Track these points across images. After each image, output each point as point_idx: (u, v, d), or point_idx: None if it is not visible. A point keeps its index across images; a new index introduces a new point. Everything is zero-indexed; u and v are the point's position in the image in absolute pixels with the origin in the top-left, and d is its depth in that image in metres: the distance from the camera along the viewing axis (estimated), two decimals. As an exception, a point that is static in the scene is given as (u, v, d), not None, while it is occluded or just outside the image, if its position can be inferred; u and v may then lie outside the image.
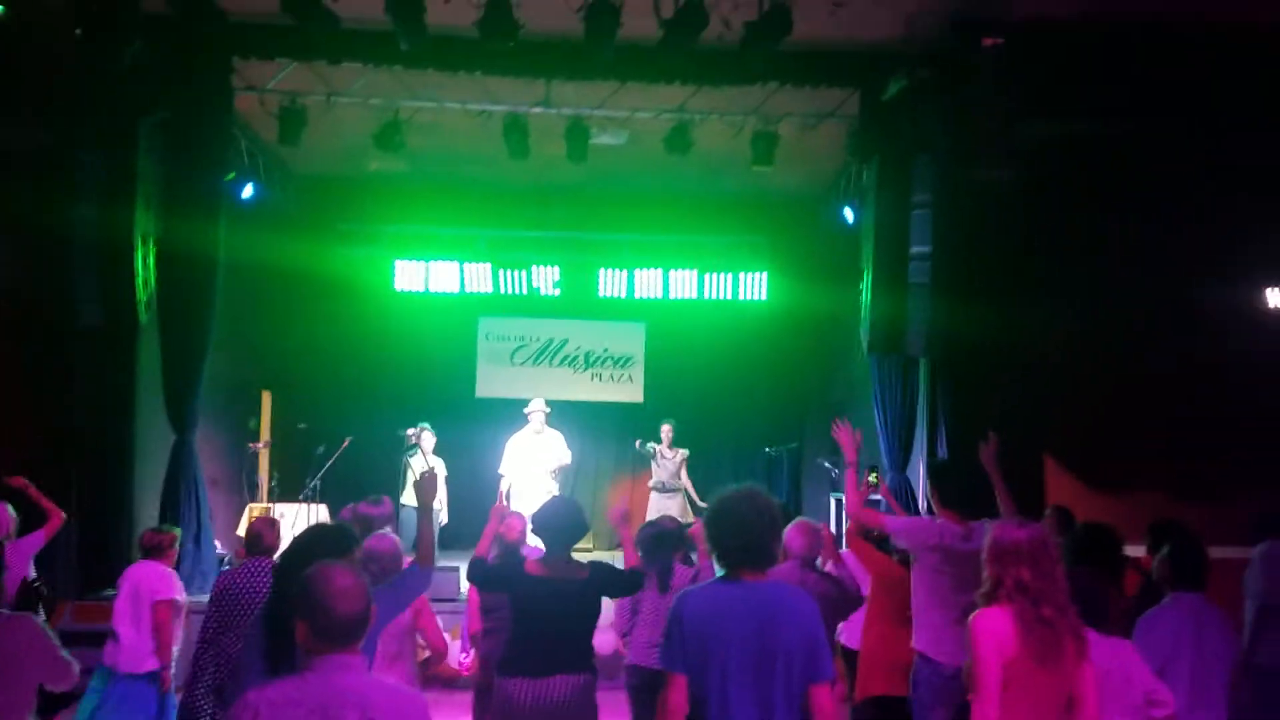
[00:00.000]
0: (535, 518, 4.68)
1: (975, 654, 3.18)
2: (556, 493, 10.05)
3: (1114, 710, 3.44)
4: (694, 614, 3.17)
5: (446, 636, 8.22)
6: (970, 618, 3.27)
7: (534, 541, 5.39)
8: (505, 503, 4.78)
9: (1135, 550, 5.47)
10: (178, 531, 6.16)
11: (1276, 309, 9.01)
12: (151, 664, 5.70)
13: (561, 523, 4.55)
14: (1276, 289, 9.04)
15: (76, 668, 4.30)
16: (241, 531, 9.37)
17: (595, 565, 4.60)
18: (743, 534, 3.21)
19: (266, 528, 5.54)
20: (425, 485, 4.12)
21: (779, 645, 3.11)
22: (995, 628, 3.16)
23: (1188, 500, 7.96)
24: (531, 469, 10.23)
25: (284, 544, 5.60)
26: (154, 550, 5.83)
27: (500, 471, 10.35)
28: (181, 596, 5.89)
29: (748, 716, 3.08)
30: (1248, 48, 8.13)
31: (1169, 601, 4.22)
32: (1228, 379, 8.69)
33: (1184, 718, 3.95)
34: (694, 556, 5.61)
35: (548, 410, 10.60)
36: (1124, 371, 8.81)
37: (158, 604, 5.69)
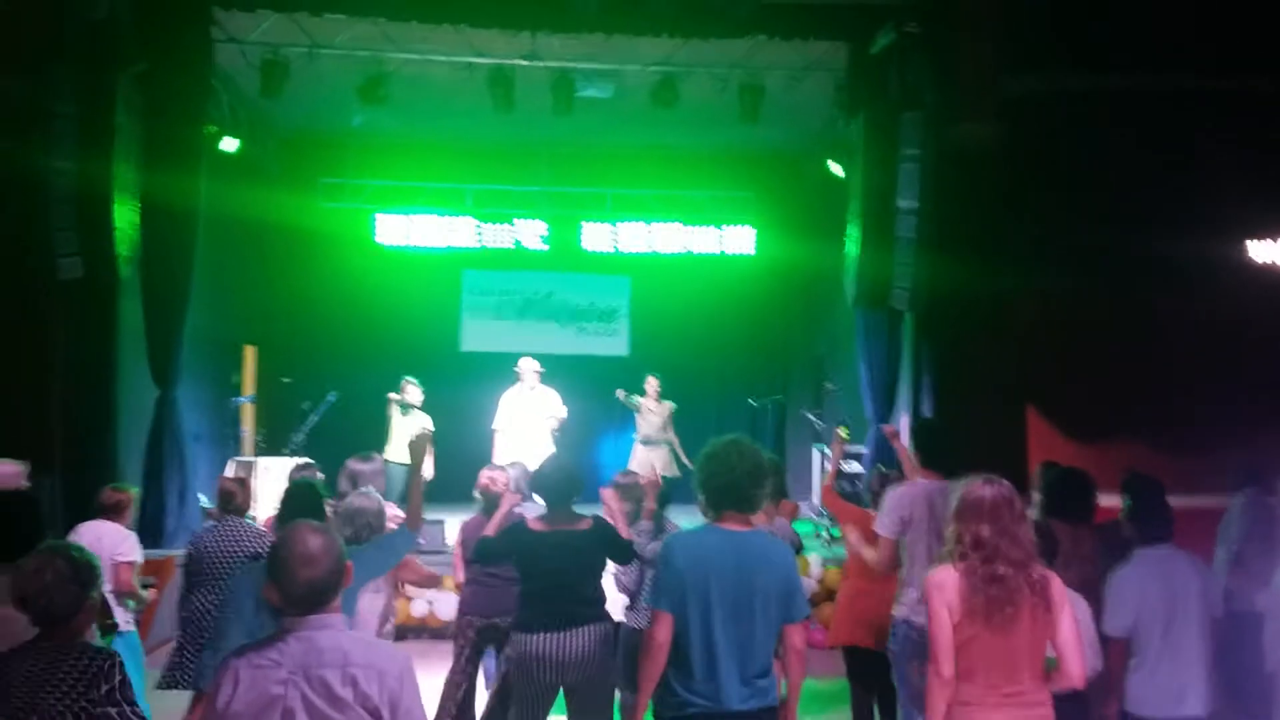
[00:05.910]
0: (534, 477, 4.75)
1: (928, 612, 3.24)
2: (552, 448, 10.06)
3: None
4: (682, 557, 3.44)
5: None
6: (924, 577, 3.33)
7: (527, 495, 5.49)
8: (514, 490, 5.25)
9: (1112, 500, 5.52)
10: (136, 491, 5.97)
11: (1258, 262, 9.06)
12: (121, 625, 5.46)
13: (559, 479, 4.61)
14: (1258, 241, 9.09)
15: None
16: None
17: (597, 519, 4.64)
18: (727, 476, 3.45)
19: (236, 488, 5.54)
20: (417, 446, 4.09)
21: (758, 588, 3.39)
22: (944, 586, 3.19)
23: (1168, 452, 8.06)
24: (526, 424, 10.17)
25: (255, 500, 5.63)
26: (113, 509, 5.60)
27: (494, 427, 10.19)
28: (141, 557, 5.69)
29: (729, 650, 3.37)
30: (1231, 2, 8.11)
31: (1135, 559, 4.14)
32: (1209, 333, 8.76)
33: (1155, 669, 4.01)
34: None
35: (540, 370, 10.45)
36: (1107, 325, 8.86)
37: (121, 565, 5.43)
